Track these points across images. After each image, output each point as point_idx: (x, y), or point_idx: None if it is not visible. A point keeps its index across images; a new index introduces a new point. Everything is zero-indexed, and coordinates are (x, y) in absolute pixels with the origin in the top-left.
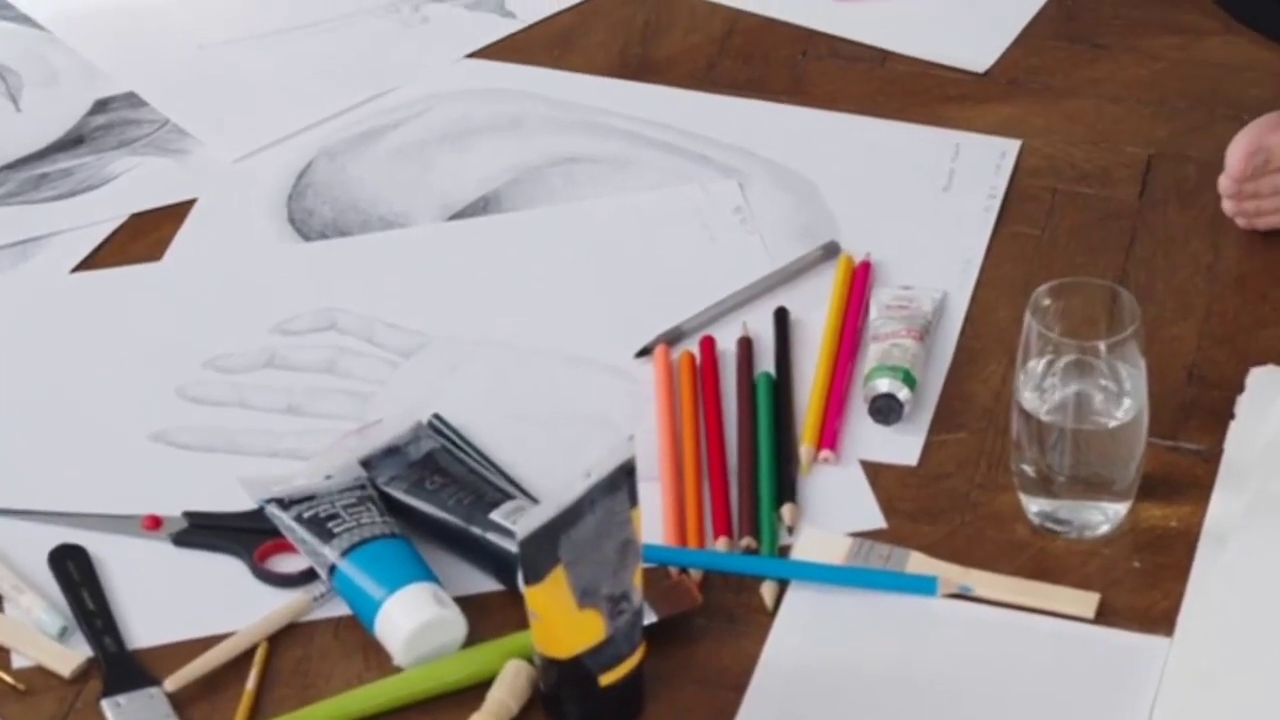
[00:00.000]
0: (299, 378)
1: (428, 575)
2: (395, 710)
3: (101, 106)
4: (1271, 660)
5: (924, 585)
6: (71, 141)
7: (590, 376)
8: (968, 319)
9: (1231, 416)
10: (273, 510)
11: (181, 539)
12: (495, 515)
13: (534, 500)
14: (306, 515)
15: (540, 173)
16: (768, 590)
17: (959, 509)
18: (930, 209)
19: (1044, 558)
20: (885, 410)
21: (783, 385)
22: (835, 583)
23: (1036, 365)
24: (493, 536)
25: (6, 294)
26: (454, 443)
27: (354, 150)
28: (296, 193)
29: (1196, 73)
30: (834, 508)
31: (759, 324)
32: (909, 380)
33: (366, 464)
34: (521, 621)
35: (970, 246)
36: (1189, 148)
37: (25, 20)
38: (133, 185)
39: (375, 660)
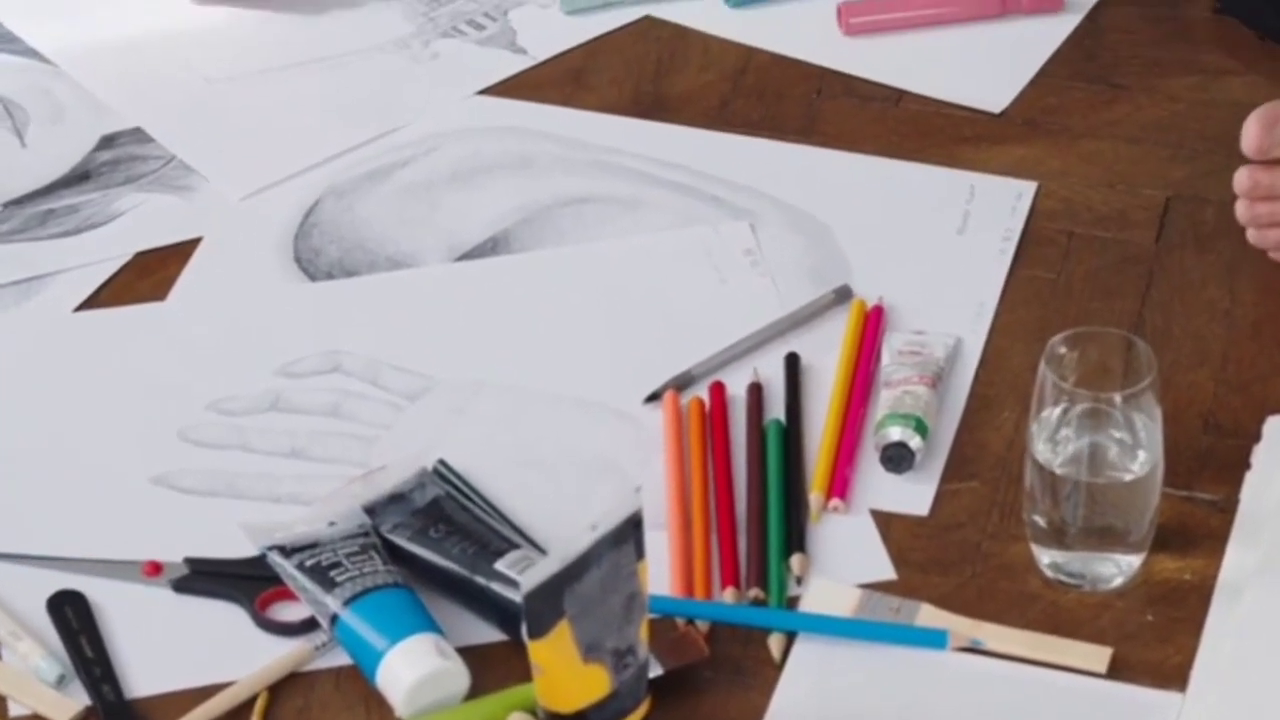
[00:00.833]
0: (303, 421)
1: (430, 625)
2: None
3: (108, 142)
4: None
5: (934, 639)
6: (77, 177)
7: (598, 422)
8: (981, 364)
9: (1247, 466)
10: (274, 558)
11: (182, 585)
12: (500, 565)
13: (539, 549)
14: (309, 563)
15: (550, 213)
16: (775, 642)
17: (970, 560)
18: (944, 251)
19: (1056, 610)
20: (897, 459)
21: (793, 432)
22: (844, 635)
23: (1050, 415)
24: (497, 586)
25: (8, 333)
26: (459, 489)
27: (362, 189)
28: (303, 232)
29: (1215, 114)
30: (844, 558)
31: (770, 369)
32: (921, 428)
33: (370, 510)
34: (525, 673)
35: (984, 290)
36: (1207, 190)
37: (32, 54)
38: (138, 223)
39: (377, 711)
